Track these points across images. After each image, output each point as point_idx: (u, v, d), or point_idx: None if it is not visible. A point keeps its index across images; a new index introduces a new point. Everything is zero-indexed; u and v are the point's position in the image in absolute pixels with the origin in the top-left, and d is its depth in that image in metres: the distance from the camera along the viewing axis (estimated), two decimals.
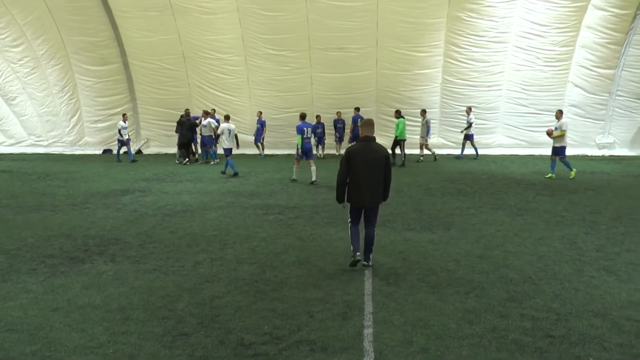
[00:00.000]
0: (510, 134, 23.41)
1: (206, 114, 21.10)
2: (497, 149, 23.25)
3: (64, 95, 25.11)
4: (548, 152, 22.40)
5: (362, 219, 7.99)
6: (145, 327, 5.93)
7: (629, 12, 21.01)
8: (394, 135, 20.24)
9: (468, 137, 21.85)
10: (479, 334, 5.69)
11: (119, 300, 6.72)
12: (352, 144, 13.84)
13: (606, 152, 23.00)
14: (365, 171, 7.67)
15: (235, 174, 17.41)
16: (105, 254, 8.78)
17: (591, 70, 22.36)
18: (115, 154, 22.86)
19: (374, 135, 8.06)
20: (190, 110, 22.39)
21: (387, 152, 8.05)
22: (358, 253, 7.92)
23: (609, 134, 23.20)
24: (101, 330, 5.86)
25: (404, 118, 20.06)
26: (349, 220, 8.03)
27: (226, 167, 17.79)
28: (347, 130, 22.57)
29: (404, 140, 19.97)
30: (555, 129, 16.57)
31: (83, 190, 15.07)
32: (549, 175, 16.76)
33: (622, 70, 22.12)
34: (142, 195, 14.24)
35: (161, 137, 24.66)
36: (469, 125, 21.63)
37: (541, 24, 21.71)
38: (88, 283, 7.34)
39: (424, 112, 21.42)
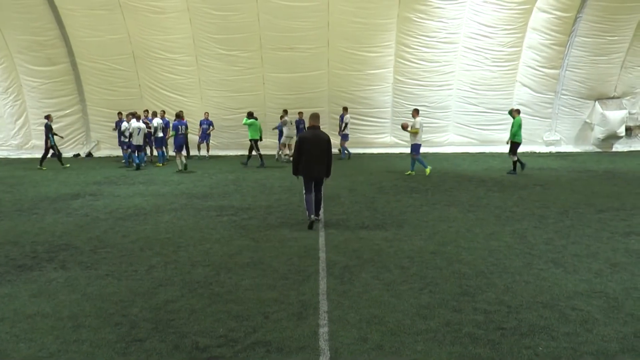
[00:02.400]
0: (461, 132, 23.90)
1: (156, 114, 20.88)
2: (449, 147, 23.70)
3: (8, 97, 24.29)
4: (499, 149, 23.23)
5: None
6: (97, 334, 5.79)
7: (570, 15, 21.76)
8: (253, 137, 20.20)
9: (344, 137, 22.15)
10: (433, 328, 5.78)
11: (70, 307, 6.55)
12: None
13: (553, 149, 23.76)
14: (313, 151, 10.22)
15: (137, 168, 19.52)
16: (55, 260, 8.54)
17: (537, 70, 23.06)
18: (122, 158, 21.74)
19: (319, 125, 10.63)
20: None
21: (329, 137, 10.58)
22: (313, 215, 10.45)
23: (555, 131, 23.97)
24: (51, 339, 5.69)
25: (256, 119, 20.26)
26: (304, 191, 10.51)
27: (141, 161, 19.81)
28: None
29: (257, 140, 20.22)
30: (410, 126, 17.07)
31: (31, 195, 14.61)
32: (419, 171, 17.36)
33: (565, 70, 22.89)
34: (93, 199, 13.91)
35: (112, 140, 24.05)
36: (345, 125, 22.01)
37: (489, 26, 22.26)
38: (37, 291, 7.12)
39: (285, 112, 21.60)
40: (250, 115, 20.20)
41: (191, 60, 22.91)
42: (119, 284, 7.38)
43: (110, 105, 23.61)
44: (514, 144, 17.35)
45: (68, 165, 20.88)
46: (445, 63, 22.93)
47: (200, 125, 22.42)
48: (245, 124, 20.10)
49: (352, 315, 6.16)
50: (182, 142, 19.20)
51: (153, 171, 19.07)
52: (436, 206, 12.33)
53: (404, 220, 10.90)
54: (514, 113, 17.79)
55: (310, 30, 22.03)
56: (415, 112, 17.26)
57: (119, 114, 22.16)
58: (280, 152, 21.84)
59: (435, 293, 6.82)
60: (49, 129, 20.33)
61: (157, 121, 20.73)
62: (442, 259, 8.25)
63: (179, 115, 19.41)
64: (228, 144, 23.66)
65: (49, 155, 20.68)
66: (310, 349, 5.38)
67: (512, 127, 17.35)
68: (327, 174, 10.44)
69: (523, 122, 23.40)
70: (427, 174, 16.92)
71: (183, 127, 19.36)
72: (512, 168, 17.43)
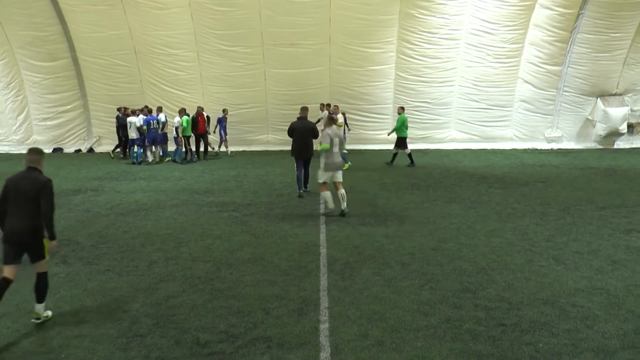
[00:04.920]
0: (462, 129, 23.84)
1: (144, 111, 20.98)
2: (450, 144, 23.65)
3: (10, 92, 24.27)
4: (501, 146, 23.23)
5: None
6: (99, 329, 5.81)
7: (572, 12, 21.67)
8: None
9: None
10: (433, 325, 5.79)
11: (72, 302, 6.57)
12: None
13: (554, 146, 23.70)
14: (302, 137, 12.96)
15: (140, 163, 19.95)
16: (57, 256, 8.54)
17: (539, 66, 22.97)
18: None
19: (307, 116, 13.37)
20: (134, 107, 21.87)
21: (314, 124, 13.62)
22: (301, 190, 13.20)
23: (557, 128, 23.91)
24: (53, 334, 5.71)
25: (188, 116, 20.39)
26: (295, 168, 13.24)
27: (138, 156, 20.10)
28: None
29: (189, 136, 20.51)
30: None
31: None
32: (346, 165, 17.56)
33: (567, 67, 22.81)
34: (95, 194, 13.92)
35: (113, 135, 24.03)
36: (318, 120, 22.08)
37: (491, 22, 22.17)
38: None
39: (225, 111, 21.83)
40: (184, 112, 20.46)
41: (192, 55, 22.87)
42: (120, 279, 7.39)
43: (111, 100, 23.58)
44: (400, 139, 18.46)
45: (113, 157, 21.72)
46: (447, 59, 22.85)
47: (219, 122, 21.73)
48: (184, 125, 20.17)
49: (353, 311, 6.17)
50: (153, 137, 19.92)
51: (154, 167, 19.08)
52: (437, 203, 12.33)
53: (405, 217, 10.90)
54: (399, 110, 18.90)
55: (311, 26, 21.99)
56: (337, 108, 18.80)
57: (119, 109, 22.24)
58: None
59: (436, 289, 6.82)
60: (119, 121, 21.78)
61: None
62: (443, 256, 8.26)
63: (150, 111, 20.50)
64: (230, 140, 23.56)
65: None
66: (310, 344, 5.39)
67: (397, 122, 18.40)
68: (312, 154, 13.21)
69: (525, 118, 23.71)
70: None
71: (154, 121, 19.80)
72: (409, 161, 18.43)
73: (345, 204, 10.97)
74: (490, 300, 6.44)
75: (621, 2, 21.45)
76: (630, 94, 23.71)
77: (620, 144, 24.03)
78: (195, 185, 15.01)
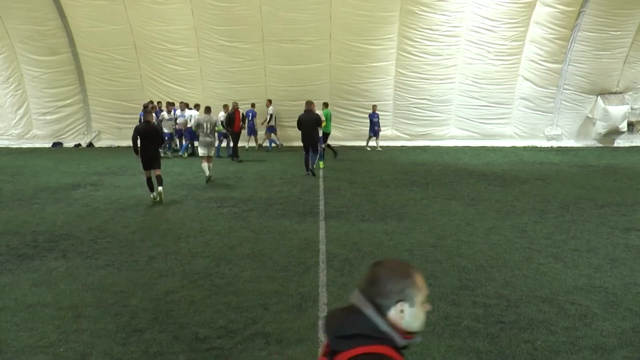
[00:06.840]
0: (462, 126, 23.82)
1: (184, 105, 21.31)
2: (450, 141, 23.65)
3: (9, 86, 24.20)
4: (500, 143, 23.24)
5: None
6: (98, 324, 5.81)
7: (573, 9, 21.63)
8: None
9: (271, 130, 22.54)
10: (432, 322, 5.79)
11: (71, 297, 6.57)
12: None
13: (554, 144, 23.69)
14: (307, 127, 15.27)
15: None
16: (56, 250, 8.56)
17: (540, 64, 22.94)
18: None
19: (311, 108, 15.52)
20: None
21: (318, 116, 15.69)
22: (307, 171, 15.43)
23: (557, 126, 23.89)
24: (52, 328, 5.71)
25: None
26: (304, 152, 15.63)
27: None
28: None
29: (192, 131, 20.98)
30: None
31: (32, 185, 14.62)
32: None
33: (568, 64, 22.77)
34: (94, 189, 13.92)
35: (113, 130, 24.09)
36: (270, 117, 22.38)
37: (492, 19, 22.13)
38: (37, 280, 7.14)
39: (252, 105, 22.04)
40: (186, 106, 20.83)
41: (193, 51, 22.83)
42: (119, 274, 7.40)
43: (111, 95, 23.57)
44: (324, 134, 18.51)
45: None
46: (447, 56, 22.81)
47: (246, 117, 21.63)
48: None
49: None
50: None
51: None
52: (437, 200, 12.33)
53: (404, 214, 10.90)
54: (322, 106, 19.46)
55: (312, 22, 21.95)
56: (312, 104, 18.43)
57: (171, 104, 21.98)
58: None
59: (434, 286, 6.82)
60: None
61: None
62: (442, 253, 8.26)
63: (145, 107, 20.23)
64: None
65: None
66: (309, 340, 5.40)
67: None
68: (317, 141, 15.53)
69: (525, 115, 23.68)
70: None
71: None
72: (333, 154, 19.38)
73: (210, 172, 14.56)
74: (488, 298, 6.45)
75: (622, 0, 21.42)
76: (630, 92, 23.68)
77: (620, 142, 24.03)
78: (194, 181, 15.01)
